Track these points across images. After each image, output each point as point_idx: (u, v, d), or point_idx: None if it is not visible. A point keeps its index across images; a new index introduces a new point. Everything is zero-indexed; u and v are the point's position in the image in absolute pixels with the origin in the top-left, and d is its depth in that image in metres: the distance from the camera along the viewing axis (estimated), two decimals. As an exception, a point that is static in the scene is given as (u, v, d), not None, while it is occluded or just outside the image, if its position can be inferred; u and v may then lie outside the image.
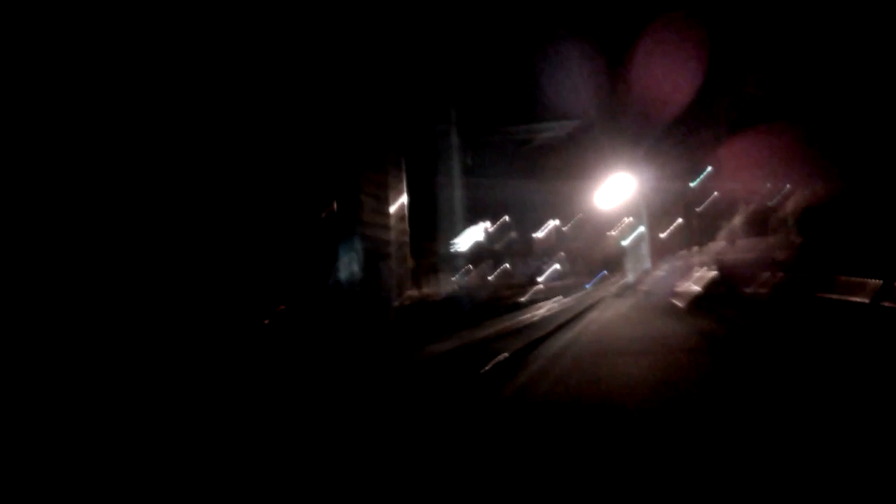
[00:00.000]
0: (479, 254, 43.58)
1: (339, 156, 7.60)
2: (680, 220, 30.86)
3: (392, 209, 9.26)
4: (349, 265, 7.04)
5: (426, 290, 23.58)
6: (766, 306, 12.29)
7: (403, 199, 9.53)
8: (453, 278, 29.05)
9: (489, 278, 38.74)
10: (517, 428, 4.43)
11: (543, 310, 16.18)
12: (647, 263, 22.09)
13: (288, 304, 6.86)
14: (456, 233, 31.50)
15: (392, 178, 11.14)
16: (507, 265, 47.99)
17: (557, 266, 47.45)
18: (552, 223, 55.89)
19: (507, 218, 49.58)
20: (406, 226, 20.38)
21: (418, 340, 8.53)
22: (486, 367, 6.08)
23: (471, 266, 35.09)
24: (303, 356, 6.63)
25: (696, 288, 18.04)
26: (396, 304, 8.47)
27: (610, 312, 14.18)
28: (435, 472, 3.54)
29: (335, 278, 7.28)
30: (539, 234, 53.16)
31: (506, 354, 6.90)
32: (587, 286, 25.48)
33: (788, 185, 25.30)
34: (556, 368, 6.58)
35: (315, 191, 7.34)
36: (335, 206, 7.82)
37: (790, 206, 22.04)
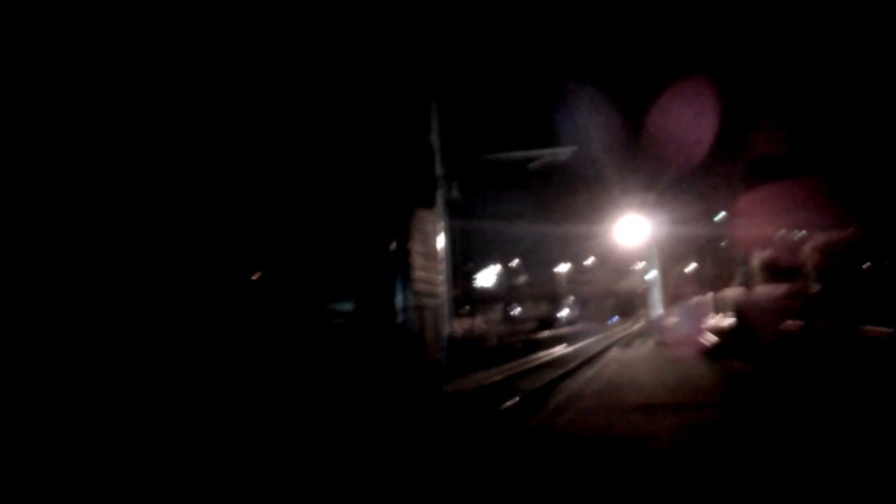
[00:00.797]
0: (491, 297, 42.99)
1: (395, 191, 7.37)
2: (693, 265, 30.21)
3: (437, 249, 9.08)
4: (405, 300, 7.09)
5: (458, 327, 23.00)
6: (791, 362, 11.43)
7: (442, 239, 9.08)
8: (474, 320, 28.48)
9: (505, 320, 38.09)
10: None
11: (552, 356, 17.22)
12: (660, 310, 21.36)
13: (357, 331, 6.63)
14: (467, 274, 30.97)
15: (432, 216, 10.68)
16: (519, 308, 47.36)
17: (567, 310, 46.78)
18: (564, 266, 55.35)
19: (517, 261, 49.14)
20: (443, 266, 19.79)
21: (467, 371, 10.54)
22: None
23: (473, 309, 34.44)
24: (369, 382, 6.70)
25: (713, 338, 17.08)
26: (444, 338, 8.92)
27: (614, 366, 13.00)
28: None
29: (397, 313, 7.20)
30: (550, 278, 52.56)
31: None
32: (591, 337, 24.60)
33: (805, 231, 24.76)
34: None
35: (378, 226, 7.23)
36: (395, 243, 7.62)
37: (809, 251, 21.42)
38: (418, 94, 8.55)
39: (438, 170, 9.15)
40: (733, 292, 22.99)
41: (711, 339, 16.73)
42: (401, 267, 7.85)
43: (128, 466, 4.26)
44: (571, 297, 48.63)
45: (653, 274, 24.20)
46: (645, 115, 24.52)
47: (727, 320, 21.21)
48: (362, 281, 7.08)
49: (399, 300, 7.66)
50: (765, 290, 19.29)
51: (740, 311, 16.06)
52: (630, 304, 50.56)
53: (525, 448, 4.95)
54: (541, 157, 11.57)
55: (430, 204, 8.83)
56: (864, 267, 20.35)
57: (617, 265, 50.15)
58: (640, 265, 43.59)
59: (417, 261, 8.30)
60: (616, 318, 43.96)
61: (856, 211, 21.50)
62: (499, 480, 4.00)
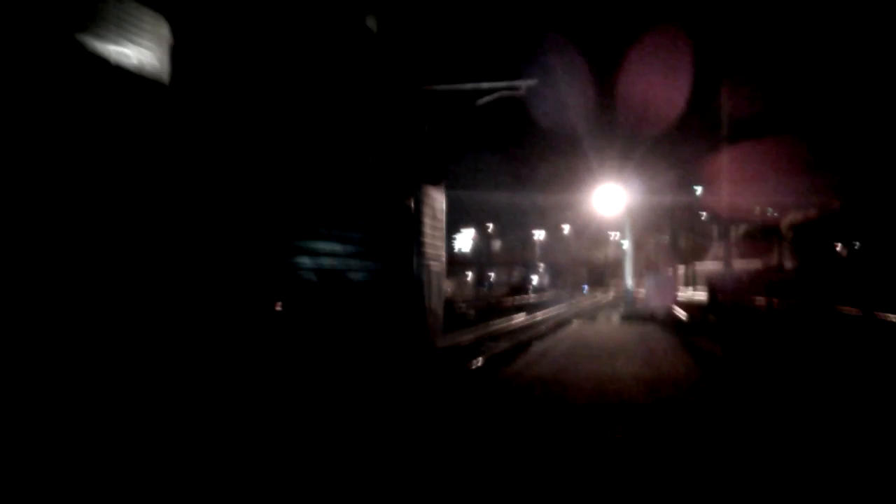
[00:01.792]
0: (466, 261, 42.25)
1: (410, 168, 8.17)
2: (666, 237, 29.74)
3: (441, 216, 9.28)
4: (417, 263, 8.20)
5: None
6: (765, 345, 10.19)
7: (443, 207, 9.11)
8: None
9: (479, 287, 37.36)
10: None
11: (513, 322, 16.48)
12: (631, 281, 20.75)
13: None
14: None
15: (438, 186, 10.41)
16: (492, 274, 46.82)
17: (539, 278, 46.42)
18: (539, 234, 54.85)
19: (490, 226, 48.46)
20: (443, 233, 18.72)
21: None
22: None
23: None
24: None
25: (683, 313, 16.16)
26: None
27: (566, 344, 10.51)
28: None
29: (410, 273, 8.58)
30: (524, 244, 52.03)
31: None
32: (556, 305, 23.15)
33: (779, 207, 24.36)
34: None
35: (398, 197, 8.37)
36: (411, 212, 8.69)
37: (785, 227, 20.94)
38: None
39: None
40: (707, 266, 22.60)
41: (682, 314, 15.95)
42: (415, 233, 8.99)
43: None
44: (543, 265, 48.25)
45: (626, 244, 23.56)
46: (617, 74, 23.56)
47: (699, 294, 20.70)
48: (387, 244, 8.05)
49: (414, 263, 8.83)
50: (739, 265, 18.79)
51: (713, 286, 15.19)
52: (602, 274, 50.42)
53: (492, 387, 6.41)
54: (495, 89, 10.59)
55: (437, 179, 10.06)
56: (837, 246, 19.97)
57: (592, 234, 49.77)
58: (615, 235, 43.17)
59: (427, 229, 9.49)
60: (587, 287, 43.60)
61: (834, 179, 21.01)
62: (471, 407, 5.30)
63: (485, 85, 9.52)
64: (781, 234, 21.50)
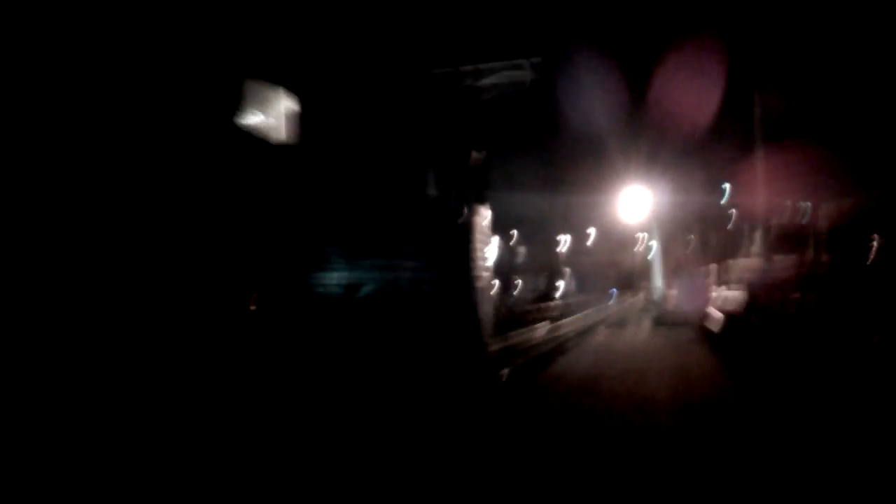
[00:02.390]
0: (492, 270, 41.85)
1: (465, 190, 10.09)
2: (697, 236, 29.29)
3: (487, 232, 10.95)
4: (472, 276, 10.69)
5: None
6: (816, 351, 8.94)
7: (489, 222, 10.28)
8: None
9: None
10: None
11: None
12: (660, 283, 20.44)
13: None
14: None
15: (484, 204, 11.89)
16: (519, 281, 46.44)
17: (565, 283, 45.82)
18: (565, 238, 54.36)
19: (515, 233, 48.14)
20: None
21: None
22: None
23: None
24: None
25: (719, 315, 15.35)
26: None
27: (591, 357, 9.77)
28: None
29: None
30: (550, 250, 51.58)
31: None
32: (583, 311, 21.97)
33: (812, 201, 23.78)
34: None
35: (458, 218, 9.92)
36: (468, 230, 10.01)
37: (819, 221, 20.48)
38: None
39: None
40: (740, 263, 22.14)
41: (717, 316, 15.39)
42: (468, 249, 10.09)
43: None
44: (569, 270, 47.71)
45: (654, 245, 23.32)
46: (647, 79, 23.36)
47: (733, 293, 20.31)
48: (447, 259, 9.24)
49: (469, 275, 9.96)
50: (776, 261, 18.37)
51: (752, 284, 14.34)
52: (631, 277, 49.75)
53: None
54: (493, 70, 10.33)
55: (483, 199, 10.88)
56: (872, 238, 19.48)
57: (619, 237, 49.20)
58: (642, 236, 42.67)
59: (477, 244, 10.56)
60: (615, 291, 43.08)
61: (867, 177, 20.51)
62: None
63: (483, 66, 9.31)
64: (815, 228, 21.05)
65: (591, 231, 53.60)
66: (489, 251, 11.43)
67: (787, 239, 19.06)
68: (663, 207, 26.56)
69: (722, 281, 26.46)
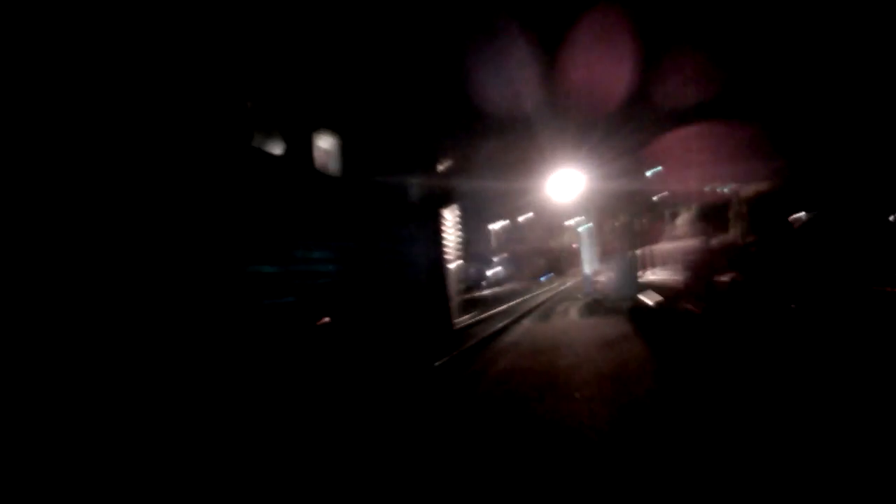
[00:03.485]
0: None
1: (436, 193, 12.82)
2: (626, 220, 29.61)
3: (451, 223, 14.00)
4: (444, 263, 13.08)
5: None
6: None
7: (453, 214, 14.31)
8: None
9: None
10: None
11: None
12: (589, 268, 20.36)
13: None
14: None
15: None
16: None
17: (499, 269, 45.85)
18: (498, 224, 54.39)
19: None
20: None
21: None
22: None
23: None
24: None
25: (648, 300, 15.03)
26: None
27: (510, 356, 8.77)
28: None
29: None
30: (482, 235, 51.46)
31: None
32: (509, 302, 20.99)
33: (733, 183, 24.45)
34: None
35: (431, 215, 12.59)
36: (439, 223, 12.65)
37: (739, 199, 20.95)
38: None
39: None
40: (665, 246, 22.37)
41: (648, 300, 15.14)
42: (439, 243, 12.08)
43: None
44: (499, 257, 47.76)
45: (584, 229, 23.24)
46: (566, 57, 23.15)
47: (661, 277, 20.41)
48: (425, 251, 11.02)
49: (441, 265, 11.94)
50: (700, 243, 18.54)
51: (683, 267, 13.95)
52: (562, 262, 50.37)
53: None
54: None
55: (449, 203, 13.38)
56: (791, 218, 20.07)
57: (550, 222, 49.66)
58: (573, 221, 43.06)
59: (446, 240, 12.57)
60: (546, 276, 43.31)
61: (786, 160, 21.12)
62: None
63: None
64: (735, 209, 21.53)
65: (524, 217, 53.92)
66: (453, 244, 13.25)
67: (710, 220, 19.29)
68: (593, 193, 26.59)
69: (649, 265, 26.78)
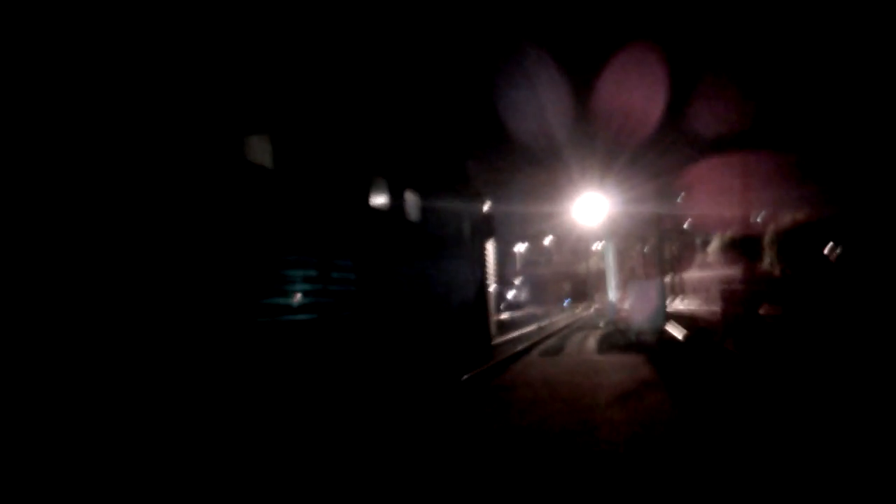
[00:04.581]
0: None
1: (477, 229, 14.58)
2: (652, 247, 28.88)
3: (491, 256, 16.78)
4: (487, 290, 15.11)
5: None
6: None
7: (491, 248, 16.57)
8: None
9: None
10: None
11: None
12: (614, 293, 19.67)
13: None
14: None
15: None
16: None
17: (519, 292, 45.21)
18: (521, 246, 53.81)
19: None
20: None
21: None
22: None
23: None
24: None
25: (677, 333, 13.94)
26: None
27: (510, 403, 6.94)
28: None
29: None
30: (505, 259, 50.86)
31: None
32: (524, 328, 19.60)
33: (766, 212, 23.65)
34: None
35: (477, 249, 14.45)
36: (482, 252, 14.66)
37: (772, 231, 20.14)
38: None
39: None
40: (695, 275, 21.66)
41: (677, 332, 14.12)
42: (483, 272, 13.90)
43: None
44: (520, 279, 47.10)
45: (608, 255, 22.59)
46: (595, 86, 22.75)
47: (694, 305, 19.61)
48: (475, 278, 13.03)
49: (485, 290, 13.91)
50: (732, 273, 17.76)
51: (726, 294, 12.29)
52: (587, 286, 49.48)
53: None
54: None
55: (490, 236, 15.25)
56: (825, 250, 19.22)
57: (575, 246, 48.89)
58: (597, 246, 42.28)
59: (488, 268, 14.30)
60: (568, 301, 42.46)
61: (820, 189, 20.34)
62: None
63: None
64: (770, 238, 20.71)
65: (549, 240, 53.27)
66: (492, 271, 15.00)
67: (743, 249, 18.48)
68: (618, 217, 25.98)
69: (677, 293, 25.97)
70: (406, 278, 8.85)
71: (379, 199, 8.40)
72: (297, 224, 6.20)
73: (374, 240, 7.82)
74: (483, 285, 13.68)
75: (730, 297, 11.81)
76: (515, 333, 17.30)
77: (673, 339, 13.38)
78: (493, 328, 14.56)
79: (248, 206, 5.42)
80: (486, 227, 14.50)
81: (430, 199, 10.31)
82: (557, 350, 13.12)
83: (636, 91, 23.21)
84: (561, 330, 19.11)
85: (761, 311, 11.58)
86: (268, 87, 5.99)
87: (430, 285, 9.93)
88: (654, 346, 12.23)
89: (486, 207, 14.96)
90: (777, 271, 17.96)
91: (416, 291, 9.22)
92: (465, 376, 8.92)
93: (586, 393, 7.22)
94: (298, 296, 5.94)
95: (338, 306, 6.69)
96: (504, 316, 26.97)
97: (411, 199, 9.61)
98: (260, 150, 5.84)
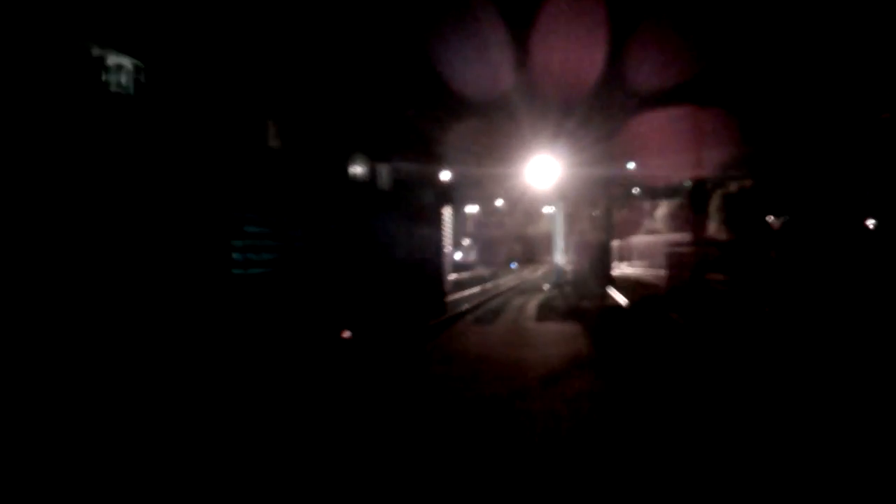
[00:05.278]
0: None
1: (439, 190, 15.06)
2: (599, 211, 28.79)
3: (448, 219, 17.25)
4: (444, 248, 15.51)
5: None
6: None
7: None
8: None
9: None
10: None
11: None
12: (560, 258, 19.46)
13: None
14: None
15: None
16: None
17: (467, 253, 44.90)
18: (473, 208, 53.36)
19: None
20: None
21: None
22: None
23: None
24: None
25: (620, 299, 13.70)
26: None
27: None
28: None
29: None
30: (456, 220, 50.26)
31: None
32: (469, 289, 19.54)
33: (714, 178, 23.72)
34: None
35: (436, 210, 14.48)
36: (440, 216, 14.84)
37: (717, 201, 20.18)
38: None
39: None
40: (642, 239, 21.61)
41: (621, 298, 13.90)
42: (440, 234, 14.49)
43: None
44: (470, 240, 46.84)
45: (557, 218, 22.30)
46: (530, 40, 21.99)
47: (636, 271, 19.60)
48: (433, 238, 13.83)
49: (441, 250, 14.62)
50: (679, 239, 17.68)
51: (673, 264, 12.04)
52: (537, 249, 49.61)
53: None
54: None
55: (448, 202, 15.64)
56: (769, 218, 19.36)
57: (528, 208, 48.78)
58: (550, 209, 42.20)
59: (445, 230, 15.02)
60: (516, 263, 42.36)
61: (762, 153, 20.37)
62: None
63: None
64: (716, 204, 20.76)
65: (500, 202, 52.95)
66: (448, 235, 15.80)
67: (691, 215, 18.44)
68: (569, 180, 25.62)
69: (624, 258, 26.06)
70: (360, 236, 9.30)
71: (330, 161, 8.86)
72: (255, 187, 6.50)
73: (325, 200, 8.20)
74: (439, 247, 14.50)
75: (676, 261, 11.57)
76: (457, 295, 16.87)
77: (616, 305, 13.14)
78: (446, 283, 15.41)
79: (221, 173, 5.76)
80: (444, 192, 15.19)
81: (386, 162, 10.92)
82: (496, 314, 12.79)
83: (580, 46, 22.54)
84: (503, 293, 18.77)
85: (708, 278, 11.39)
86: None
87: (387, 245, 10.62)
88: (595, 313, 11.92)
89: (444, 175, 15.67)
90: (723, 237, 17.99)
91: (371, 249, 9.83)
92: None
93: (513, 372, 6.48)
94: (260, 251, 6.42)
95: (292, 261, 7.10)
96: (451, 277, 26.51)
97: (365, 161, 10.36)
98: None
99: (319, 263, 7.63)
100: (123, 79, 4.79)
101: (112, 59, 4.70)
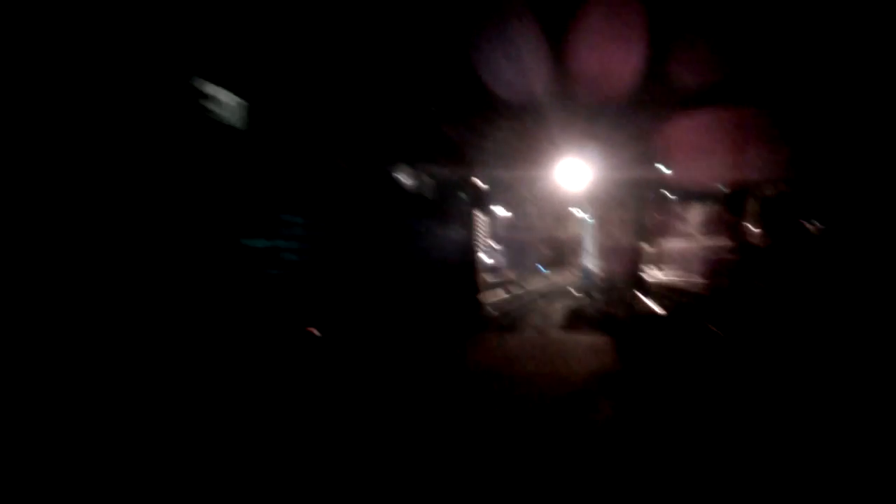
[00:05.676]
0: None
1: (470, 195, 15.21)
2: (633, 214, 28.28)
3: (480, 224, 18.20)
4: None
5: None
6: None
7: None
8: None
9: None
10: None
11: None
12: (590, 262, 19.07)
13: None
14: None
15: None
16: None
17: (495, 258, 44.50)
18: (501, 210, 52.98)
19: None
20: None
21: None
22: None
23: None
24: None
25: (657, 307, 13.11)
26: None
27: None
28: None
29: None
30: (491, 220, 50.04)
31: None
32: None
33: (750, 183, 23.03)
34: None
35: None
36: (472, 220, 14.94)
37: (757, 203, 19.56)
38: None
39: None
40: (676, 244, 21.08)
41: (657, 307, 13.31)
42: (473, 237, 14.90)
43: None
44: (497, 244, 46.57)
45: (586, 221, 21.92)
46: (568, 42, 21.66)
47: (674, 275, 19.10)
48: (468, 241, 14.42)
49: (474, 253, 15.24)
50: (713, 244, 17.17)
51: (713, 267, 11.34)
52: (566, 252, 49.03)
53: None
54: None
55: (480, 207, 16.04)
56: (805, 223, 18.68)
57: (559, 211, 48.33)
58: (580, 212, 41.66)
59: (478, 234, 15.49)
60: (544, 268, 41.87)
61: (802, 156, 19.66)
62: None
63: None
64: (753, 208, 20.13)
65: (530, 205, 52.49)
66: (483, 240, 15.83)
67: (727, 219, 17.83)
68: (600, 182, 25.20)
69: (657, 262, 25.48)
70: (396, 236, 9.87)
71: (377, 170, 9.56)
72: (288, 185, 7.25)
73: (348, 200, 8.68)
74: (473, 251, 15.12)
75: (714, 267, 11.05)
76: (486, 300, 16.77)
77: (648, 313, 12.70)
78: (480, 285, 15.87)
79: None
80: (477, 196, 15.80)
81: (423, 168, 11.48)
82: (520, 321, 12.70)
83: (614, 49, 22.16)
84: (531, 298, 18.60)
85: (748, 286, 10.86)
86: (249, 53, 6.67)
87: (426, 249, 11.21)
88: (625, 322, 11.48)
89: (477, 179, 16.21)
90: (761, 242, 17.39)
91: (412, 254, 10.51)
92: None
93: (533, 388, 6.08)
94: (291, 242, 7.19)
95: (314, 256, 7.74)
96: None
97: (427, 177, 11.30)
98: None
99: (367, 265, 8.56)
100: (227, 112, 6.11)
101: (223, 96, 6.02)
